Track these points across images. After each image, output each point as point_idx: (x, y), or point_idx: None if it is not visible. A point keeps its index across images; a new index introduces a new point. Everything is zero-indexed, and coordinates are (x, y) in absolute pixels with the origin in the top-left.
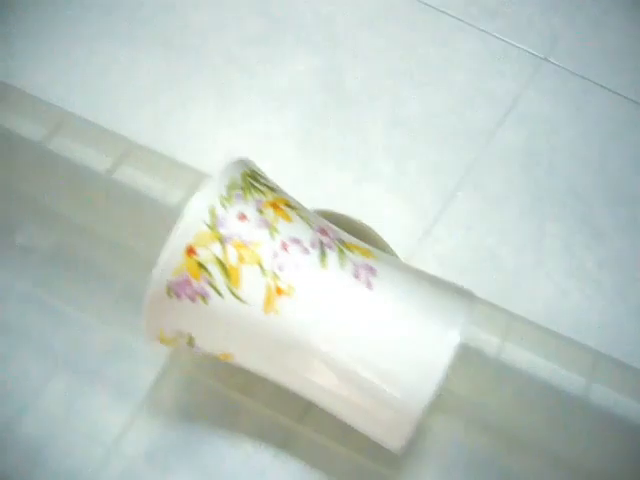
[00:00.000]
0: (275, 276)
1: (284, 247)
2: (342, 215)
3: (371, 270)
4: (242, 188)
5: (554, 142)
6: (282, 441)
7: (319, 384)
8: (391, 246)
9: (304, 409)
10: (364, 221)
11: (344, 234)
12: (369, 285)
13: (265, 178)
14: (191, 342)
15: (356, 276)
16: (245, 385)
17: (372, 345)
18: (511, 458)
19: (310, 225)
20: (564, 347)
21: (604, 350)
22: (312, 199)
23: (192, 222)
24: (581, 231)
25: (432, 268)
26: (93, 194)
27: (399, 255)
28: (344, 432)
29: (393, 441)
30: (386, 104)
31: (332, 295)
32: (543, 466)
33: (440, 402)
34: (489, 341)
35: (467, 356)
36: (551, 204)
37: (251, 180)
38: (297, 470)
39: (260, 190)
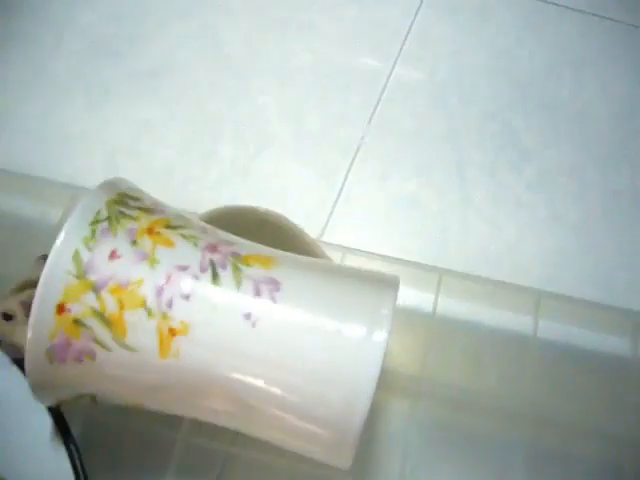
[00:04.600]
0: (164, 316)
1: (169, 279)
2: (246, 208)
3: (274, 283)
4: (108, 220)
5: (460, 64)
6: (219, 467)
7: (241, 418)
8: (304, 221)
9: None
10: (272, 209)
11: (240, 243)
12: (274, 300)
13: (138, 198)
14: (94, 399)
15: (257, 294)
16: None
17: (291, 367)
18: (472, 420)
19: (196, 244)
20: (505, 292)
21: (548, 280)
22: (209, 186)
23: (55, 276)
24: (504, 154)
25: (350, 231)
26: None
27: (314, 227)
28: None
29: (338, 462)
30: (271, 60)
31: (233, 322)
32: (505, 422)
33: (385, 383)
34: (424, 301)
35: (402, 322)
36: (468, 132)
37: (119, 207)
38: None
39: (131, 217)
